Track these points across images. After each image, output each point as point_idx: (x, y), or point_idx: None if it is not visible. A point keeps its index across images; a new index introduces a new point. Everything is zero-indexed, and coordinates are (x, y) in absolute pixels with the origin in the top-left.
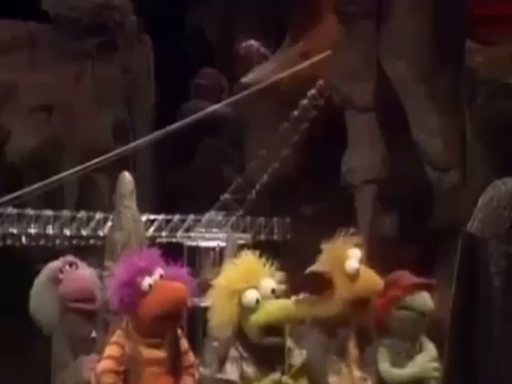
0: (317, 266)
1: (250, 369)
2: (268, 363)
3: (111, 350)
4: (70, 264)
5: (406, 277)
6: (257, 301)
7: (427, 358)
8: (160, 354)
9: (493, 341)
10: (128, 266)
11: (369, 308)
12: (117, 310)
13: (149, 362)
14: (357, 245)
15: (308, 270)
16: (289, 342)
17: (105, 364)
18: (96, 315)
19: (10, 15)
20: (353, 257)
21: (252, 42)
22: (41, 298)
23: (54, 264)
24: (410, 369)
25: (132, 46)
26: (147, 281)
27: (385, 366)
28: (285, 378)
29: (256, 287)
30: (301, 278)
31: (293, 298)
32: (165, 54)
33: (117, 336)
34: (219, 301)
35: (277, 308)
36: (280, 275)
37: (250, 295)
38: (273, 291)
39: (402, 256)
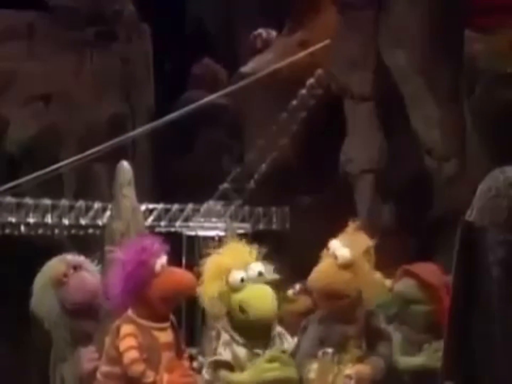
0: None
1: (241, 351)
2: (258, 344)
3: (128, 341)
4: (75, 267)
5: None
6: (242, 280)
7: (433, 348)
8: (169, 338)
9: (493, 330)
10: (139, 249)
11: (331, 306)
12: (125, 294)
13: (165, 347)
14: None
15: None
16: (279, 328)
17: (130, 355)
18: (98, 313)
19: (9, 4)
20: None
21: (261, 31)
22: (42, 298)
23: (58, 267)
24: (417, 358)
25: (131, 35)
26: (160, 262)
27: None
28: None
29: (244, 268)
30: None
31: (291, 291)
32: (165, 44)
33: (126, 329)
34: (209, 280)
35: (261, 295)
36: (271, 267)
37: (236, 274)
38: (260, 274)
39: (401, 245)
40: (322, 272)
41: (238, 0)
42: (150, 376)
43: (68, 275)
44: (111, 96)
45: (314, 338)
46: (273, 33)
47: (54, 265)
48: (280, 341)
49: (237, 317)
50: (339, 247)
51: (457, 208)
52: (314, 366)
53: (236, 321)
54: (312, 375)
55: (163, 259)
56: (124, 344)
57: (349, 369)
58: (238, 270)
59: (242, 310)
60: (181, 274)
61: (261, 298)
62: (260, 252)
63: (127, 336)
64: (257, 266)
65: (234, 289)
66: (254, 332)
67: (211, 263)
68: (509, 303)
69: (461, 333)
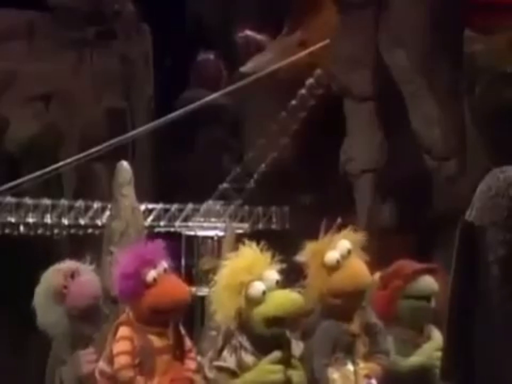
0: (299, 256)
1: (248, 358)
2: (268, 353)
3: (122, 345)
4: (72, 275)
5: (406, 265)
6: (263, 292)
7: (433, 347)
8: (167, 342)
9: (492, 330)
10: (134, 257)
11: (359, 301)
12: (118, 299)
13: (160, 351)
14: (351, 237)
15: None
16: (287, 333)
17: (121, 360)
18: (99, 315)
19: (9, 3)
20: (337, 249)
21: (249, 32)
22: (47, 312)
23: (57, 280)
24: (416, 358)
25: (131, 34)
26: (152, 274)
27: (391, 355)
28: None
29: (260, 278)
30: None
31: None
32: (164, 43)
33: (123, 331)
34: (224, 294)
35: (286, 300)
36: (279, 266)
37: (257, 287)
38: (277, 282)
39: (401, 244)
40: (364, 269)
41: None
42: (139, 382)
43: (67, 286)
44: (110, 95)
45: (326, 346)
46: (261, 36)
47: (52, 278)
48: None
49: (257, 328)
50: (343, 243)
51: (456, 207)
52: (335, 375)
53: (255, 332)
54: None
55: (159, 269)
56: (117, 348)
57: (365, 370)
58: (257, 282)
59: (269, 320)
60: (173, 289)
61: (289, 301)
62: (265, 251)
63: (122, 340)
64: (273, 275)
65: (254, 301)
66: (272, 342)
67: (225, 279)
68: (508, 303)
69: (460, 333)
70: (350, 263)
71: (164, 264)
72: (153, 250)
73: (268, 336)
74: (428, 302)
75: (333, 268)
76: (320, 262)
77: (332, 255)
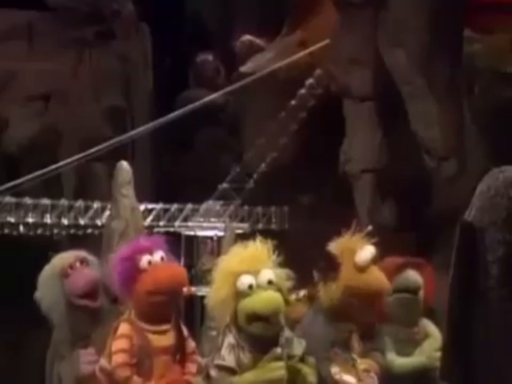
0: (331, 248)
1: (245, 357)
2: (263, 351)
3: (120, 343)
4: (81, 261)
5: (391, 261)
6: (250, 287)
7: (433, 347)
8: (168, 342)
9: (491, 330)
10: (131, 244)
11: (372, 306)
12: (117, 289)
13: (159, 351)
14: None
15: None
16: (288, 332)
17: (118, 358)
18: (100, 314)
19: (9, 3)
20: (366, 251)
21: (248, 36)
22: (47, 289)
23: (66, 258)
24: (416, 358)
25: (130, 34)
26: (146, 259)
27: (390, 356)
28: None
29: (254, 273)
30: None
31: (293, 296)
32: (164, 43)
33: (123, 329)
34: (217, 282)
35: (265, 298)
36: (287, 272)
37: (244, 280)
38: (269, 282)
39: (401, 244)
40: (381, 275)
41: None
42: (136, 382)
43: (74, 267)
44: (110, 94)
45: (324, 340)
46: (258, 40)
47: (62, 257)
48: (288, 346)
49: (240, 323)
50: (369, 248)
51: (456, 207)
52: (336, 369)
53: (242, 327)
54: (339, 376)
55: (155, 256)
56: (116, 345)
57: (363, 364)
58: (246, 276)
59: (249, 316)
60: (166, 269)
61: (267, 304)
62: (277, 255)
63: (121, 338)
64: (268, 274)
65: (241, 294)
66: (261, 338)
67: (221, 266)
68: (508, 303)
69: (459, 333)
70: (374, 267)
71: (161, 253)
72: (150, 239)
73: (250, 332)
74: (415, 296)
75: (362, 268)
76: (351, 260)
77: (364, 255)
